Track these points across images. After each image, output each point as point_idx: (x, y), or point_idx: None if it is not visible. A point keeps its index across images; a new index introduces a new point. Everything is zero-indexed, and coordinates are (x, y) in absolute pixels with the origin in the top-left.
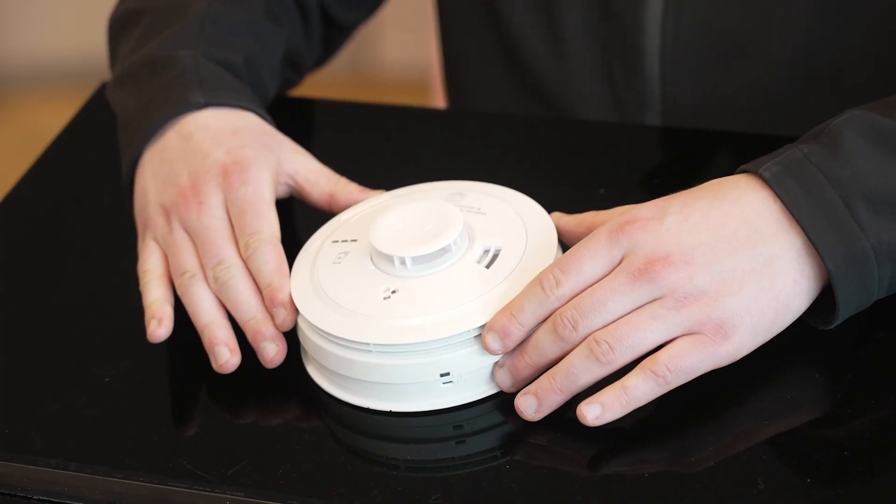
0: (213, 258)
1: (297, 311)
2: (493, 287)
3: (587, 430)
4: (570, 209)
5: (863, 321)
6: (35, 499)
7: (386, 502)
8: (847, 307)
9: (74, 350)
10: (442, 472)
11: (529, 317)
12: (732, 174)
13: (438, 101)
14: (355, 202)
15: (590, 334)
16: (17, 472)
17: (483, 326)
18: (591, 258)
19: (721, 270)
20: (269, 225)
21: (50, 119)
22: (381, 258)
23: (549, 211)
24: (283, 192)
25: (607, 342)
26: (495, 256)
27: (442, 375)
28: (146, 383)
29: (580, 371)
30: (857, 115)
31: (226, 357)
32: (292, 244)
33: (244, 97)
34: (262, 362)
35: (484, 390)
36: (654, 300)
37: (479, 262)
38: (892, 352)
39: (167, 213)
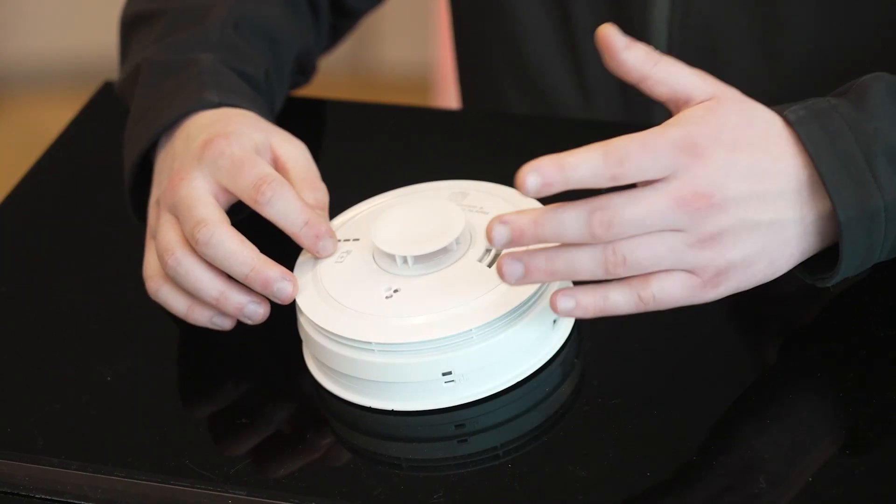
0: (191, 222)
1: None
2: (494, 286)
3: (589, 429)
4: None
5: (862, 320)
6: (37, 498)
7: (388, 501)
8: (850, 264)
9: (76, 349)
10: (444, 471)
11: (578, 181)
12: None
13: (439, 100)
14: (314, 241)
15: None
16: (20, 471)
17: (484, 326)
18: (654, 160)
19: (743, 224)
20: (272, 169)
21: (50, 119)
22: (384, 257)
23: None
24: None
25: (624, 256)
26: (497, 255)
27: (444, 374)
28: (148, 382)
29: (582, 268)
30: (885, 76)
31: (271, 302)
32: (295, 243)
33: (256, 105)
34: (281, 302)
35: (486, 389)
36: (677, 230)
37: (480, 260)
38: (892, 351)
39: (158, 206)
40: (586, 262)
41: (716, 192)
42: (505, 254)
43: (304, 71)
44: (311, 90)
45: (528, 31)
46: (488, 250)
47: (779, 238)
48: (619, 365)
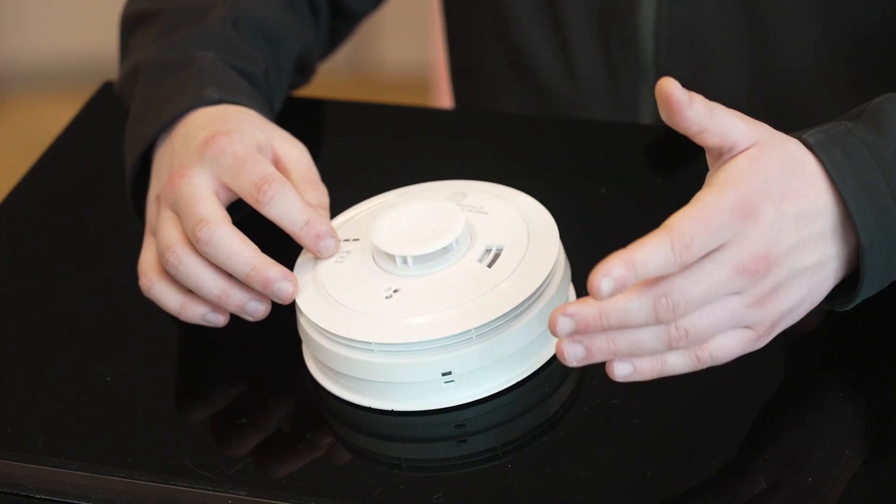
0: (192, 219)
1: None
2: (494, 286)
3: (589, 429)
4: (572, 208)
5: (863, 321)
6: (37, 498)
7: (388, 501)
8: (870, 287)
9: (76, 349)
10: (444, 471)
11: (649, 275)
12: (793, 134)
13: (439, 100)
14: (315, 241)
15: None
16: (20, 471)
17: (484, 326)
18: (716, 235)
19: (794, 272)
20: (274, 169)
21: (50, 119)
22: (384, 257)
23: (551, 210)
24: None
25: (686, 330)
26: (497, 255)
27: (444, 374)
28: (148, 383)
29: (645, 346)
30: None
31: (272, 301)
32: (295, 242)
33: (257, 103)
34: (281, 302)
35: (485, 389)
36: (736, 293)
37: (480, 261)
38: (892, 352)
39: (158, 203)
40: (649, 341)
41: (771, 251)
42: (566, 341)
43: (304, 71)
44: (311, 90)
45: (514, 8)
46: (488, 250)
47: (821, 276)
48: None
